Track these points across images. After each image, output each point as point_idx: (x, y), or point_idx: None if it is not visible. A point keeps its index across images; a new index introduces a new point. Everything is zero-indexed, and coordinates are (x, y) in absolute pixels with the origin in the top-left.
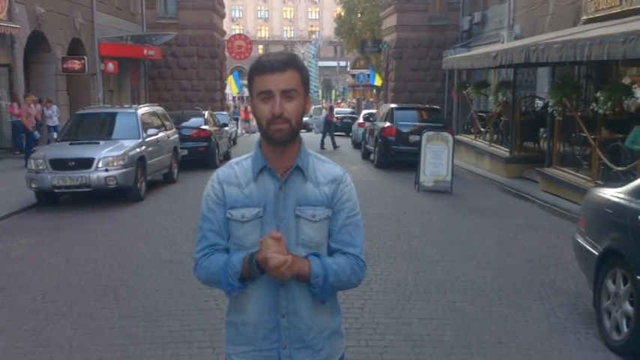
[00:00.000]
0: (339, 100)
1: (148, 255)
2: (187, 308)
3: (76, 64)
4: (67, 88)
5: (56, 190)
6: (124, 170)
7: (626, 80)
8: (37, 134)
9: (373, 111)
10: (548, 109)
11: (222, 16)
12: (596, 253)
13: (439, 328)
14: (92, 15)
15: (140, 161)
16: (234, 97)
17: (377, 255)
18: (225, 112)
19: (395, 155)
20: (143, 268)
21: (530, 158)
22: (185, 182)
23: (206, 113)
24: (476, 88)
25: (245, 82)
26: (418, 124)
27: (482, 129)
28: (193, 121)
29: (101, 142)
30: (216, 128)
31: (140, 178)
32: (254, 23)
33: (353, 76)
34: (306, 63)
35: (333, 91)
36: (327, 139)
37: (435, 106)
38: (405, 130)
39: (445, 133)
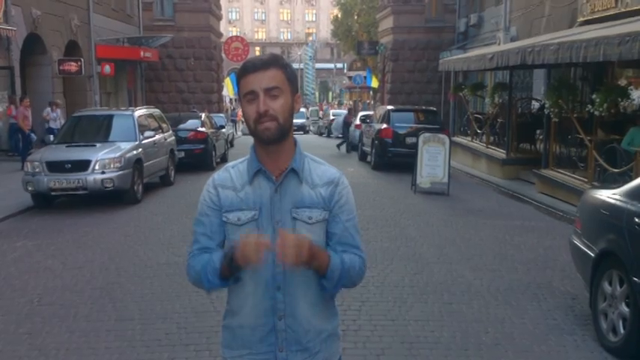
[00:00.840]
0: (335, 102)
1: (144, 257)
2: (184, 311)
3: (72, 66)
4: (64, 91)
5: (52, 193)
6: (120, 173)
7: (622, 82)
8: (33, 137)
9: (370, 113)
10: (545, 110)
11: (219, 18)
12: (593, 254)
13: (436, 330)
14: (88, 17)
15: (137, 163)
16: (231, 99)
17: (374, 257)
18: (222, 114)
19: (391, 157)
20: (140, 270)
21: (527, 160)
22: (182, 184)
23: (203, 115)
24: (472, 90)
25: None
26: (415, 125)
27: (478, 131)
28: (190, 123)
29: (98, 145)
30: (213, 130)
31: (137, 180)
32: (251, 25)
33: (350, 77)
34: (302, 65)
35: (330, 93)
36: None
37: (431, 108)
38: (401, 131)
39: (442, 135)
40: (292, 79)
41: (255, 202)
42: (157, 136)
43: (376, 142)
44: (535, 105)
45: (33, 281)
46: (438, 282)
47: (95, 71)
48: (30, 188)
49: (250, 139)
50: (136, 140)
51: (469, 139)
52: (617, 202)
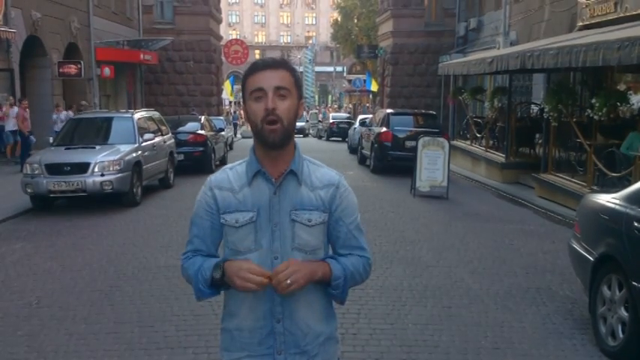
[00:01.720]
0: (335, 106)
1: (143, 260)
2: (183, 313)
3: (72, 69)
4: (63, 93)
5: (52, 195)
6: (119, 175)
7: (621, 86)
8: (32, 139)
9: (369, 116)
10: (544, 114)
11: (219, 21)
12: (592, 258)
13: (435, 334)
14: (88, 19)
15: (136, 166)
16: (230, 102)
17: (373, 260)
18: (221, 117)
19: (391, 160)
20: (139, 273)
21: (526, 164)
22: (181, 187)
23: (202, 118)
24: (471, 94)
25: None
26: (414, 129)
27: (478, 134)
28: (189, 126)
29: (97, 147)
30: (212, 133)
31: (136, 182)
32: (251, 28)
33: (349, 81)
34: (302, 68)
35: (330, 96)
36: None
37: (431, 112)
38: (401, 135)
39: (441, 139)
40: (299, 84)
41: (254, 204)
42: (157, 139)
43: (375, 145)
44: (534, 109)
45: (31, 283)
46: (437, 286)
47: (95, 74)
48: (29, 190)
49: (249, 142)
50: (135, 143)
51: (468, 142)
52: (617, 207)
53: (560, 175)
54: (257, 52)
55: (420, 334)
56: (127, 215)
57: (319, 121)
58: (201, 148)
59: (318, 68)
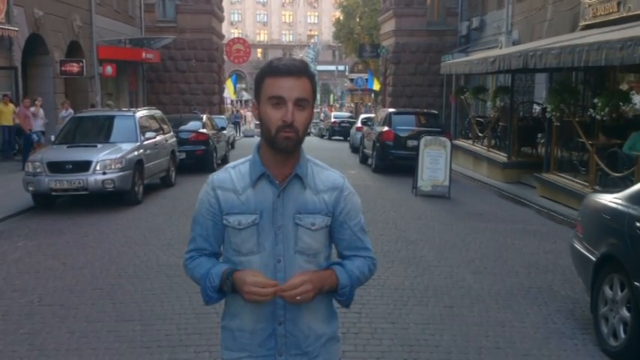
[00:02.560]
0: (337, 105)
1: (145, 258)
2: (184, 312)
3: (74, 67)
4: (65, 91)
5: (53, 193)
6: (121, 173)
7: (624, 86)
8: (34, 137)
9: (371, 115)
10: (546, 114)
11: (221, 20)
12: (594, 258)
13: (436, 333)
14: (91, 18)
15: (138, 164)
16: (232, 101)
17: None
18: (223, 116)
19: (393, 160)
20: (140, 271)
21: (528, 163)
22: (183, 186)
23: (204, 117)
24: (474, 93)
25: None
26: (416, 128)
27: (480, 134)
28: (191, 125)
29: (99, 145)
30: (214, 132)
31: (138, 181)
32: (253, 27)
33: (351, 80)
34: None
35: (332, 95)
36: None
37: (432, 111)
38: (402, 134)
39: (443, 138)
40: (315, 90)
41: (257, 207)
42: (158, 138)
43: (377, 144)
44: (537, 109)
45: (33, 282)
46: (439, 285)
47: (97, 72)
48: (31, 188)
49: (251, 141)
50: (137, 141)
51: (470, 142)
52: (619, 207)
53: (563, 175)
54: (259, 50)
55: (421, 333)
56: (129, 214)
57: (321, 120)
58: (202, 147)
59: (320, 67)
